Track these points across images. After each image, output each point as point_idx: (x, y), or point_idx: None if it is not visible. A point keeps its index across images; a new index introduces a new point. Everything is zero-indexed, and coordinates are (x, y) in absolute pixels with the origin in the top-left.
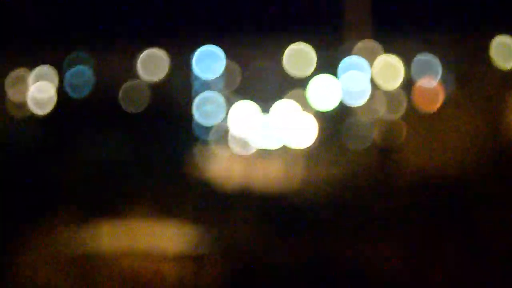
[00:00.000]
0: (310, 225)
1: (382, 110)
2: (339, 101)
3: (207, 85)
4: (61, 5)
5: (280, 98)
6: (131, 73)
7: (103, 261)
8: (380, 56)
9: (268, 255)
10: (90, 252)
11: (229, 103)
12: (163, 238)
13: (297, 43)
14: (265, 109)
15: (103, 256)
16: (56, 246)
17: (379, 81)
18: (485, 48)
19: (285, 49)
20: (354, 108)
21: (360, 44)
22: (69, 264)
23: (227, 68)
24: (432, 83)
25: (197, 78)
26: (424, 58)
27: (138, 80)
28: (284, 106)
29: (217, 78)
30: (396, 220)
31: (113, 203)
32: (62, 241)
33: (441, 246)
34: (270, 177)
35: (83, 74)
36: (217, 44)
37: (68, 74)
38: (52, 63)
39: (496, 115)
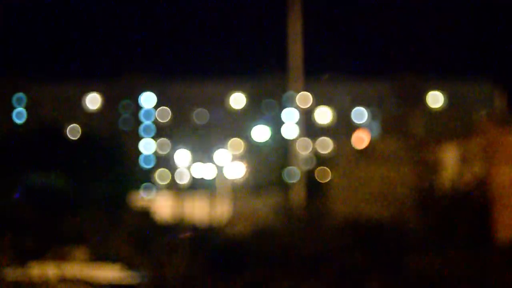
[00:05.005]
0: (239, 257)
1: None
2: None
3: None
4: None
5: (218, 145)
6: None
7: None
8: (312, 106)
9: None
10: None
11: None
12: (96, 265)
13: (235, 92)
14: (205, 155)
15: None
16: None
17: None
18: (414, 99)
19: (225, 97)
20: (287, 142)
21: (294, 95)
22: None
23: (167, 113)
24: (361, 133)
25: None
26: (356, 108)
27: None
28: (222, 153)
29: (163, 122)
30: (323, 257)
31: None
32: None
33: (364, 285)
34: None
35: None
36: (156, 90)
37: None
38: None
39: (420, 163)
